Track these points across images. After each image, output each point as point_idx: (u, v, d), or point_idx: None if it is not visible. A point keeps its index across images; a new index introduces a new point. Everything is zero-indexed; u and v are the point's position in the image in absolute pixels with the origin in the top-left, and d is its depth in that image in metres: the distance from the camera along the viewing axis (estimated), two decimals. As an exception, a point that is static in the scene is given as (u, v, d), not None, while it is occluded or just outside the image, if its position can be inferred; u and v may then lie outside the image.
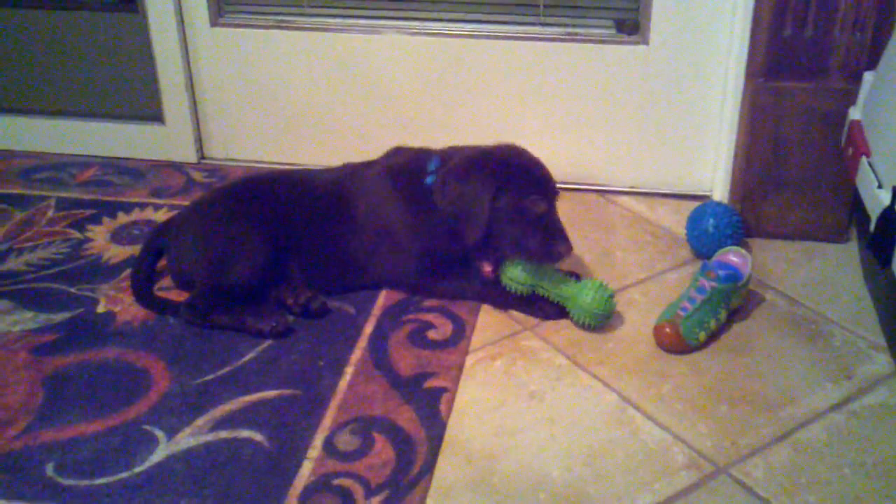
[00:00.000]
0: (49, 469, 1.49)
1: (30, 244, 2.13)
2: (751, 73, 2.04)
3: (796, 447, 1.53)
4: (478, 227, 1.79)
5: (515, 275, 1.84)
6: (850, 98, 1.97)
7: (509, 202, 1.78)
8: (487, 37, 2.29)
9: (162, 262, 1.97)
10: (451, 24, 2.31)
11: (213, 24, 2.39)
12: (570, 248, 1.80)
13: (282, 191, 1.94)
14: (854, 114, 1.93)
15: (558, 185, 1.87)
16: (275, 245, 1.86)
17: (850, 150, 1.88)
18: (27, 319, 1.86)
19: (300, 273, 1.90)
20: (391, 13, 2.34)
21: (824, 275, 2.00)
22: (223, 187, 2.06)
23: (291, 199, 1.92)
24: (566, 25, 2.28)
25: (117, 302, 1.92)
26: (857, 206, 2.02)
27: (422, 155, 1.93)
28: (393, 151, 2.01)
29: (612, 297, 1.80)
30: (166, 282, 1.97)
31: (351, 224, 1.90)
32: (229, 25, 2.39)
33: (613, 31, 2.26)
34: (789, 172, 2.08)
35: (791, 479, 1.46)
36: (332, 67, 2.38)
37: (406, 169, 1.91)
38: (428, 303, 1.91)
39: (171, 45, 2.40)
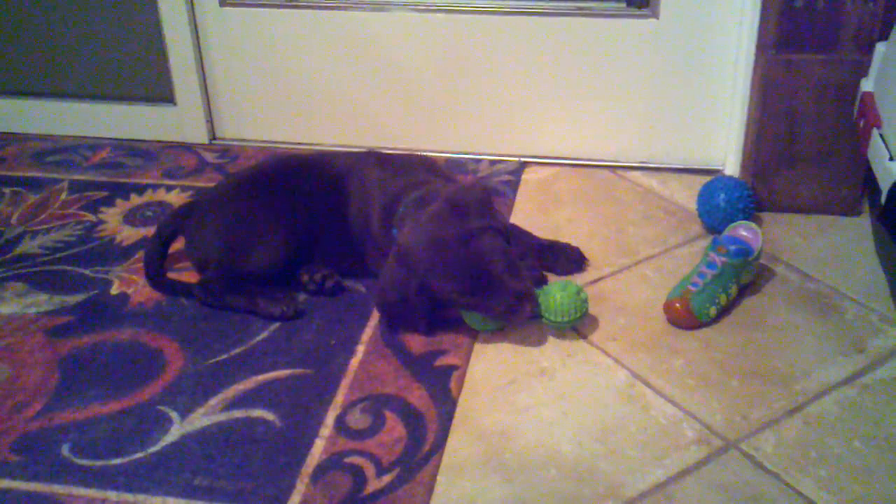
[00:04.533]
0: (65, 450, 1.51)
1: (44, 227, 2.15)
2: (762, 46, 2.02)
3: (807, 421, 1.53)
4: (419, 319, 1.73)
5: (481, 319, 1.74)
6: (862, 69, 1.95)
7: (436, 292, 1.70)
8: (497, 12, 2.27)
9: (175, 246, 1.98)
10: (460, 0, 2.30)
11: (222, 3, 2.38)
12: (531, 309, 1.68)
13: (301, 175, 1.94)
14: (866, 85, 1.91)
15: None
16: (294, 232, 1.87)
17: (862, 122, 1.86)
18: (42, 302, 1.88)
19: (318, 255, 1.91)
20: (400, -10, 2.34)
21: (837, 248, 1.99)
22: (245, 171, 2.06)
23: (310, 184, 1.92)
24: (576, 0, 2.27)
25: (130, 284, 1.93)
26: (869, 179, 2.01)
27: (406, 187, 1.83)
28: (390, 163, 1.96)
29: (580, 290, 1.73)
30: (179, 264, 1.98)
31: (348, 215, 1.90)
32: (238, 5, 2.38)
33: (623, 5, 2.24)
34: (802, 146, 2.07)
35: (802, 453, 1.47)
36: (342, 45, 2.37)
37: (387, 202, 1.83)
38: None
39: (180, 25, 2.40)
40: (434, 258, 1.66)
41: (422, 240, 1.68)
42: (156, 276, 1.91)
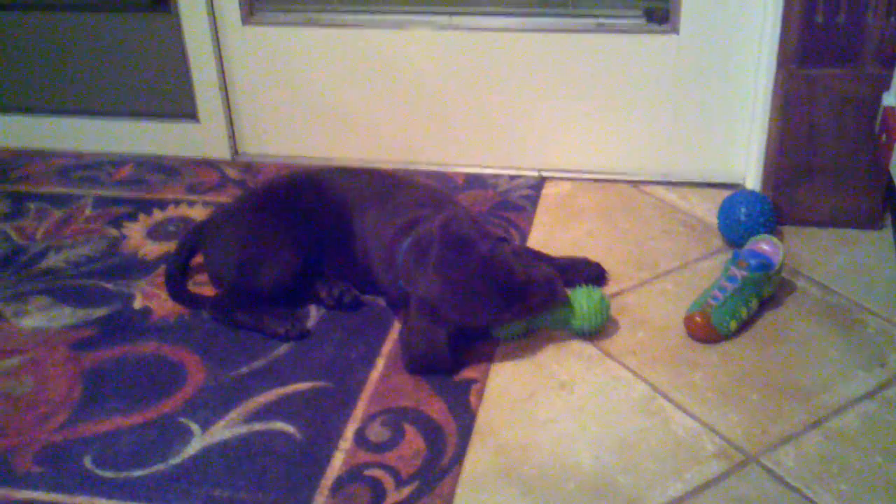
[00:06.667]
0: (87, 462, 1.53)
1: (68, 242, 2.17)
2: (783, 61, 2.02)
3: (828, 435, 1.52)
4: (447, 363, 1.70)
5: (508, 327, 1.76)
6: (883, 84, 1.94)
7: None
8: (516, 30, 2.29)
9: (197, 260, 1.99)
10: (479, 18, 2.32)
11: (245, 22, 2.41)
12: (563, 294, 1.73)
13: (313, 192, 1.95)
14: (888, 100, 1.91)
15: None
16: (305, 249, 1.88)
17: (884, 137, 1.86)
18: (66, 315, 1.90)
19: (331, 271, 1.92)
20: (419, 8, 2.35)
21: (858, 262, 1.98)
22: (258, 188, 2.08)
23: (322, 201, 1.93)
24: (596, 16, 2.28)
25: (153, 297, 1.95)
26: (891, 193, 2.01)
27: (399, 233, 1.81)
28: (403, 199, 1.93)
29: (603, 298, 1.76)
30: (201, 277, 1.99)
31: (356, 236, 1.91)
32: (260, 24, 2.41)
33: (643, 21, 2.25)
34: (822, 160, 2.06)
35: (822, 467, 1.46)
36: (363, 63, 2.39)
37: (385, 251, 1.82)
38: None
39: (203, 44, 2.43)
40: (466, 298, 1.66)
41: (444, 288, 1.66)
42: (177, 289, 1.93)
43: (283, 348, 1.78)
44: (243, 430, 1.58)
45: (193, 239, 1.98)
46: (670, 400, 1.61)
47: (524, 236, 2.12)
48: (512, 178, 2.39)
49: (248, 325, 1.83)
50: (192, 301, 1.92)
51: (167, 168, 2.53)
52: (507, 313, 1.69)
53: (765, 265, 1.79)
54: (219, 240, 1.93)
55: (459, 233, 1.70)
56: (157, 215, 2.28)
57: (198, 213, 2.27)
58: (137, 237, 2.18)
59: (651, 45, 2.23)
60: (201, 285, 1.97)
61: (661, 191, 2.31)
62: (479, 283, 1.65)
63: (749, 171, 2.24)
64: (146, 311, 1.91)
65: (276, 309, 1.85)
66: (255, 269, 1.86)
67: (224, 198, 2.33)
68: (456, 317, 1.67)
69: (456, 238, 1.69)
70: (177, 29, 2.44)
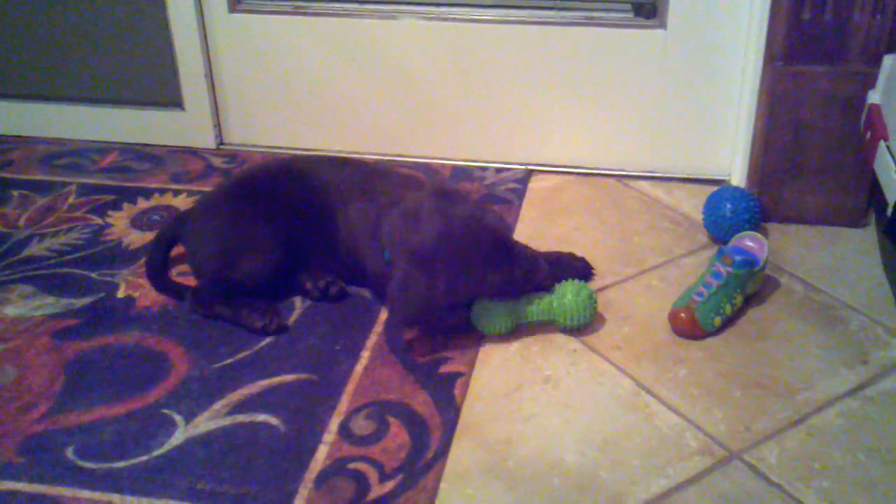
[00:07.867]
0: (69, 452, 1.52)
1: (51, 230, 2.16)
2: (770, 58, 2.03)
3: (811, 432, 1.53)
4: (446, 319, 1.74)
5: (495, 321, 1.76)
6: (869, 82, 1.95)
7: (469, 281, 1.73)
8: (505, 21, 2.28)
9: (179, 249, 1.98)
10: (468, 9, 2.31)
11: (232, 9, 2.39)
12: (546, 272, 1.77)
13: (295, 182, 1.93)
14: (873, 97, 1.92)
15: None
16: (287, 240, 1.87)
17: (869, 134, 1.86)
18: (49, 304, 1.89)
19: (315, 263, 1.91)
20: (409, -2, 2.35)
21: (842, 260, 1.99)
22: (239, 178, 2.07)
23: (304, 191, 1.92)
24: (584, 9, 2.27)
25: (137, 287, 1.94)
26: (875, 191, 2.02)
27: (386, 208, 1.80)
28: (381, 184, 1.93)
29: (591, 294, 1.77)
30: (185, 267, 1.98)
31: (339, 226, 1.90)
32: (247, 11, 2.40)
33: (631, 16, 2.25)
34: (808, 157, 2.07)
35: (805, 464, 1.47)
36: (350, 53, 2.38)
37: (372, 227, 1.82)
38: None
39: (190, 31, 2.41)
40: (457, 250, 1.67)
41: (439, 236, 1.67)
42: (158, 278, 1.92)
43: (268, 340, 1.77)
44: (227, 421, 1.58)
45: (174, 228, 1.96)
46: (654, 395, 1.62)
47: (511, 230, 2.12)
48: (498, 171, 2.39)
49: (225, 318, 1.82)
50: (174, 290, 1.90)
51: (152, 156, 2.51)
52: (496, 275, 1.70)
53: (749, 262, 1.79)
54: (199, 230, 1.92)
55: (450, 188, 1.74)
56: (142, 204, 2.27)
57: (182, 203, 2.26)
58: (121, 226, 2.17)
59: (639, 39, 2.23)
60: (186, 275, 1.96)
61: (647, 186, 2.31)
62: (471, 236, 1.67)
63: (735, 167, 2.25)
64: (129, 301, 1.90)
65: (255, 302, 1.84)
66: (234, 261, 1.85)
67: (208, 187, 2.31)
68: (448, 269, 1.67)
69: (447, 191, 1.72)
70: (163, 16, 2.42)
